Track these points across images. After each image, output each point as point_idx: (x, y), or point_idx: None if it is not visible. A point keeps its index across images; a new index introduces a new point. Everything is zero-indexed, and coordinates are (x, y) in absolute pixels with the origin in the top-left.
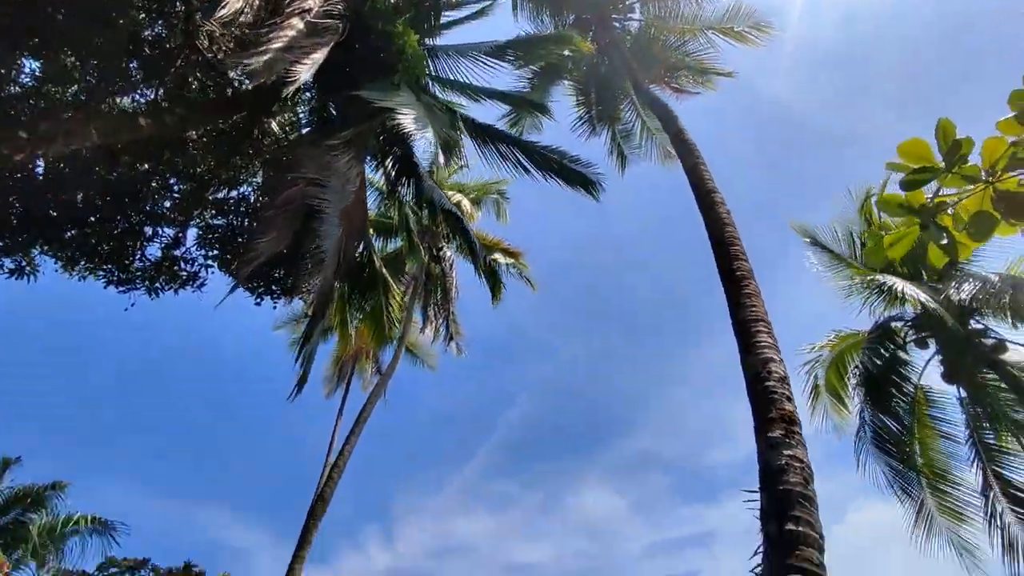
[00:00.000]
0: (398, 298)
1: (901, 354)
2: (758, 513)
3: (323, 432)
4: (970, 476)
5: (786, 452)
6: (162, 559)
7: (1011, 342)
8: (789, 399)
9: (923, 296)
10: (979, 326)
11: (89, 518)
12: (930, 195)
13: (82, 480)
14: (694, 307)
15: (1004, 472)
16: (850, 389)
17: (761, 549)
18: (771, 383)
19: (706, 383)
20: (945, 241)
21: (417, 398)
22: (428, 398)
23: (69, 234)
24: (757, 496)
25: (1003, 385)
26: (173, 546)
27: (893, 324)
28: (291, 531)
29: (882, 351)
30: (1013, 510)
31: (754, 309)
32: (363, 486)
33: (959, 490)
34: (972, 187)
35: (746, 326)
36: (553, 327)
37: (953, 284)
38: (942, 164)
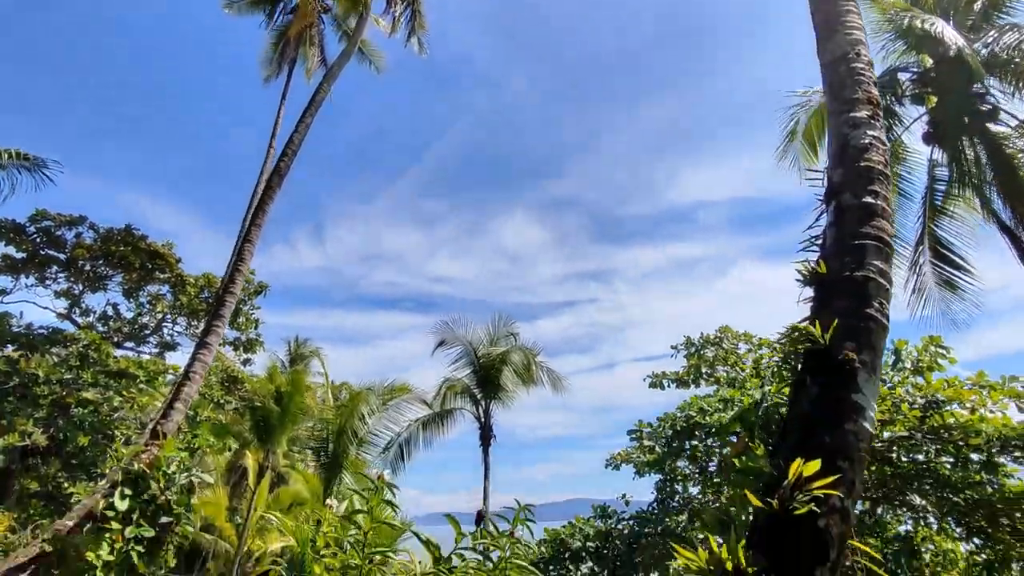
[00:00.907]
0: None
1: (896, 106)
2: (823, 191)
3: (253, 128)
4: (909, 232)
5: (871, 132)
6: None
7: (1005, 111)
8: (875, 84)
9: (959, 40)
10: (980, 90)
11: (14, 152)
12: None
13: None
14: (648, 65)
15: (938, 231)
16: (826, 139)
17: (829, 220)
18: (860, 65)
19: (639, 142)
20: None
21: (357, 103)
22: (368, 107)
23: None
24: (821, 175)
25: (982, 151)
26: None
27: (899, 75)
28: (225, 219)
29: (881, 97)
30: (932, 263)
31: None
32: (295, 187)
33: (895, 241)
34: None
35: (834, 4)
36: (504, 59)
37: (993, 32)
38: None
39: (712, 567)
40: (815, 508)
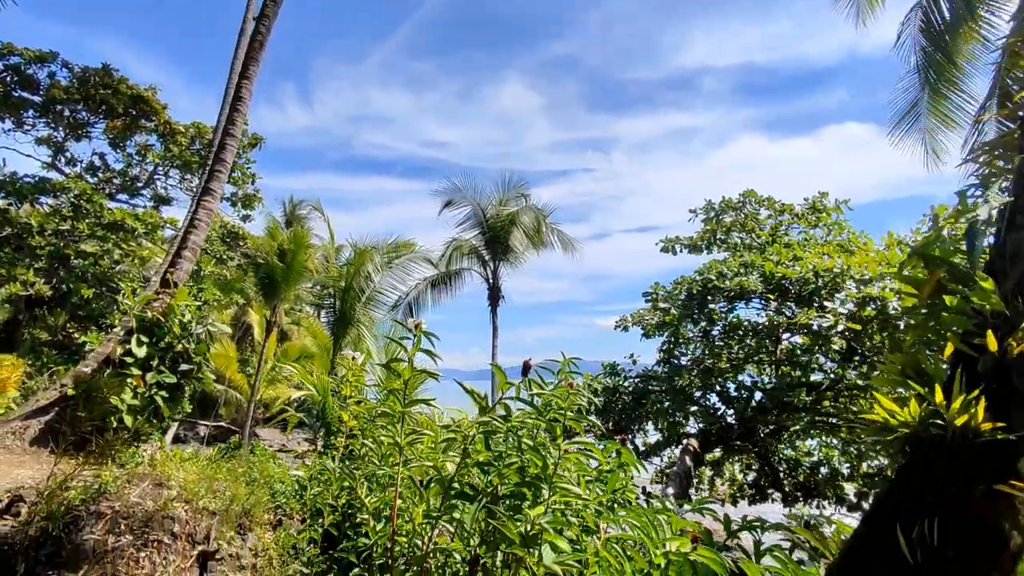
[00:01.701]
0: None
1: None
2: None
3: None
4: (981, 85)
5: None
6: None
7: None
8: None
9: None
10: None
11: None
12: None
13: None
14: None
15: (1013, 85)
16: None
17: None
18: None
19: None
20: None
21: None
22: None
23: None
24: None
25: None
26: None
27: None
28: (206, 75)
29: None
30: (998, 120)
31: None
32: (280, 45)
33: (960, 97)
34: None
35: None
36: None
37: None
38: None
39: (935, 423)
40: None
